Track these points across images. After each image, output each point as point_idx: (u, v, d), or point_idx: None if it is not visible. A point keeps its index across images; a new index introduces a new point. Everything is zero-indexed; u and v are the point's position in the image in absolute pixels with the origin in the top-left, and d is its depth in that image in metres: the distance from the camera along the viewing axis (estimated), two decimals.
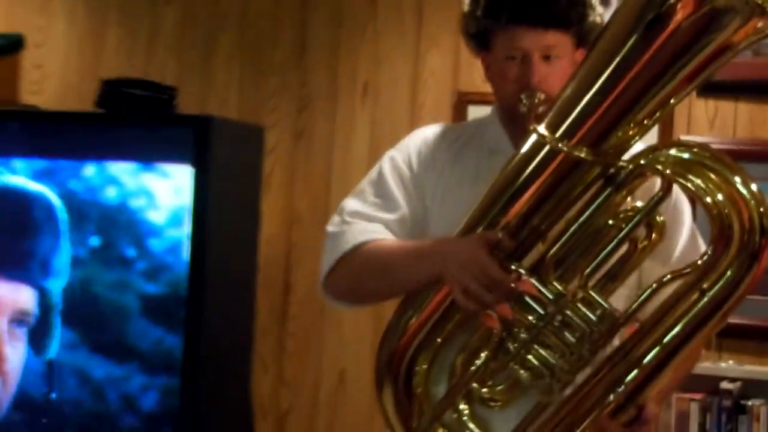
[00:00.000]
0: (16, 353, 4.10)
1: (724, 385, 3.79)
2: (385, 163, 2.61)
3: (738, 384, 3.80)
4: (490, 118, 2.62)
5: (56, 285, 4.03)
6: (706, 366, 3.76)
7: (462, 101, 4.20)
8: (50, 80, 4.71)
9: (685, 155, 2.21)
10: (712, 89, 3.95)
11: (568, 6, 2.42)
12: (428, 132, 2.66)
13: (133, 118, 4.00)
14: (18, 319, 4.05)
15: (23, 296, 4.05)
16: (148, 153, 3.97)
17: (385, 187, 2.59)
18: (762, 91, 3.97)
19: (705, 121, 4.02)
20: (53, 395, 4.04)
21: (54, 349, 4.03)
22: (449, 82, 4.29)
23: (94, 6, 4.71)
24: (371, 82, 4.40)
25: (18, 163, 4.05)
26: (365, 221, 2.56)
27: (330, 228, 2.59)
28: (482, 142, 2.59)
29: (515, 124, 2.44)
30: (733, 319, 3.56)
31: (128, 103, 3.96)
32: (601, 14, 2.46)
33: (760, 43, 3.78)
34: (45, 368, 4.07)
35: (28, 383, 4.09)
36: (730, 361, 3.88)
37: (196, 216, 3.89)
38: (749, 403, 3.76)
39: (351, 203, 2.60)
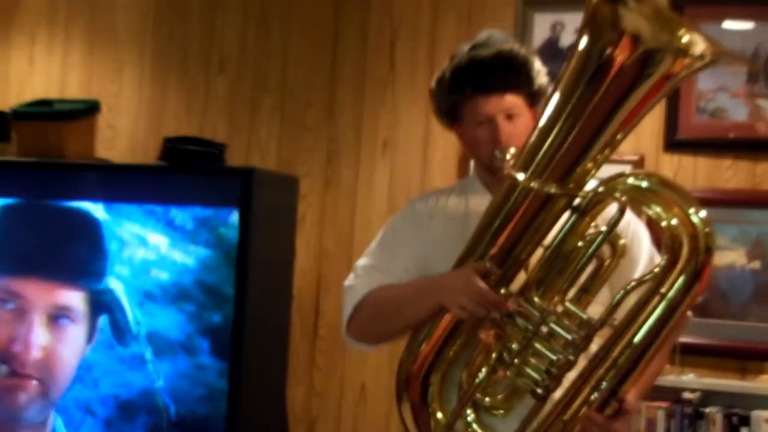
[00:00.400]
0: (63, 344, 4.11)
1: (686, 395, 3.81)
2: (388, 227, 2.72)
3: (697, 394, 3.81)
4: (471, 179, 2.70)
5: (100, 287, 4.07)
6: (670, 379, 3.80)
7: (465, 156, 4.17)
8: (121, 138, 4.79)
9: (643, 183, 2.30)
10: (677, 146, 4.05)
11: (518, 72, 2.50)
12: (421, 197, 2.77)
13: (190, 170, 4.05)
14: (56, 314, 4.10)
15: (60, 295, 4.11)
16: (202, 199, 4.02)
17: (389, 245, 2.67)
18: (717, 147, 4.02)
19: (671, 173, 4.03)
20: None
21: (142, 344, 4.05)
22: (454, 140, 4.08)
23: (157, 75, 4.79)
24: (389, 140, 4.45)
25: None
26: (375, 272, 2.63)
27: (346, 283, 2.66)
28: (468, 200, 2.63)
29: (494, 177, 2.49)
30: (693, 339, 3.77)
31: (186, 157, 4.03)
32: (546, 74, 2.54)
33: (717, 106, 3.96)
34: (140, 363, 4.06)
35: (126, 372, 4.08)
36: (691, 375, 3.90)
37: (241, 251, 3.91)
38: (707, 410, 3.76)
39: (362, 261, 2.68)
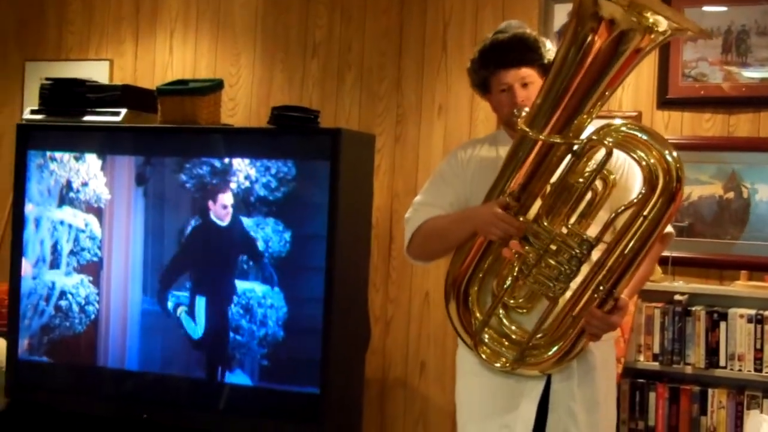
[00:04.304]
0: None
1: (677, 297, 3.82)
2: (437, 169, 2.75)
3: (686, 296, 3.83)
4: (500, 132, 2.71)
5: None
6: (664, 284, 3.84)
7: None
8: (240, 107, 4.83)
9: (627, 130, 2.30)
10: (667, 104, 4.03)
11: (531, 51, 2.53)
12: (462, 145, 2.77)
13: (292, 131, 4.01)
14: None
15: None
16: (302, 154, 3.98)
17: (438, 184, 2.70)
18: (698, 104, 3.99)
19: (662, 125, 4.03)
20: None
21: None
22: None
23: (266, 59, 4.80)
24: (443, 104, 4.45)
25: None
26: (426, 207, 2.66)
27: (407, 215, 2.71)
28: (498, 146, 2.65)
29: (514, 130, 2.49)
30: (682, 254, 3.81)
31: (289, 122, 3.99)
32: (554, 51, 2.52)
33: (698, 72, 3.92)
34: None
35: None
36: (681, 281, 3.90)
37: (332, 195, 3.86)
38: (693, 309, 3.77)
39: (418, 198, 2.72)
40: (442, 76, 4.48)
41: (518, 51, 2.52)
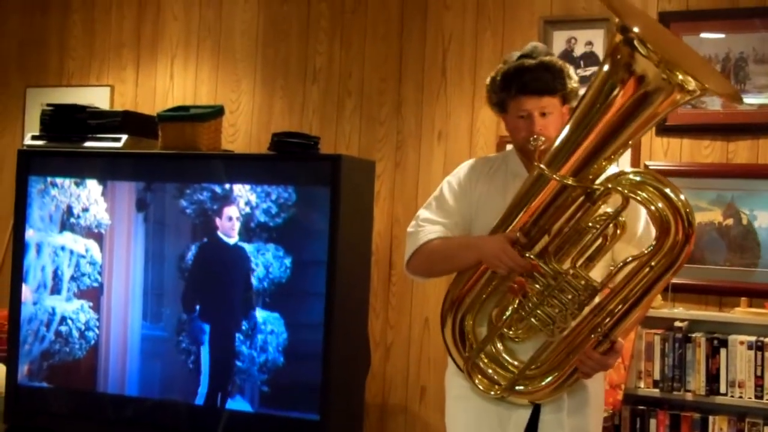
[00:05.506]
0: None
1: (677, 324, 3.81)
2: (444, 185, 2.67)
3: (686, 323, 3.82)
4: (511, 152, 2.64)
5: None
6: (664, 311, 3.83)
7: (502, 142, 4.23)
8: (240, 134, 4.85)
9: (638, 178, 2.29)
10: (666, 131, 4.03)
11: (553, 80, 2.47)
12: (471, 163, 2.70)
13: (292, 157, 3.99)
14: None
15: None
16: (302, 180, 3.95)
17: (444, 201, 2.64)
18: (698, 131, 4.00)
19: (661, 152, 4.04)
20: None
21: None
22: (494, 129, 4.32)
23: (266, 85, 4.82)
24: (443, 130, 4.47)
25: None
26: (431, 224, 2.60)
27: (409, 229, 2.66)
28: (507, 168, 2.61)
29: (527, 156, 2.49)
30: (681, 280, 3.77)
31: (289, 148, 3.98)
32: (577, 81, 2.50)
33: (696, 100, 3.78)
34: None
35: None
36: (680, 308, 3.91)
37: (332, 221, 3.84)
38: (693, 335, 3.77)
39: (422, 213, 2.65)
40: (441, 102, 4.49)
41: (543, 80, 2.47)
